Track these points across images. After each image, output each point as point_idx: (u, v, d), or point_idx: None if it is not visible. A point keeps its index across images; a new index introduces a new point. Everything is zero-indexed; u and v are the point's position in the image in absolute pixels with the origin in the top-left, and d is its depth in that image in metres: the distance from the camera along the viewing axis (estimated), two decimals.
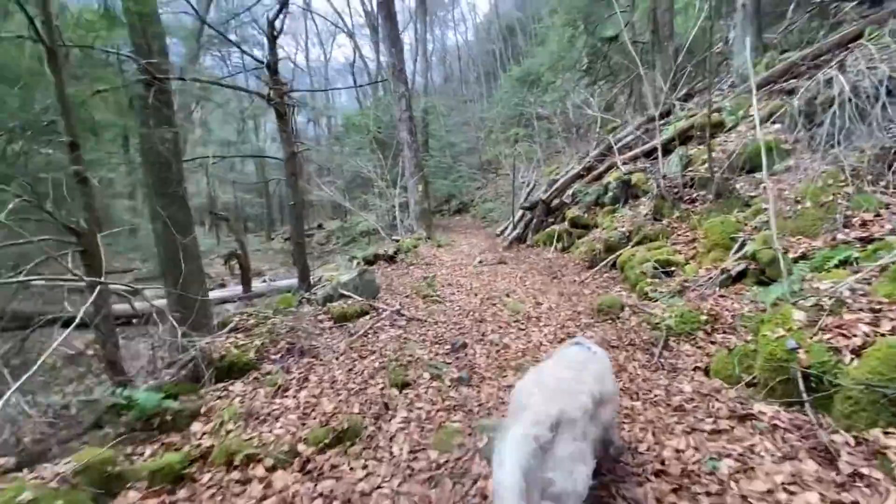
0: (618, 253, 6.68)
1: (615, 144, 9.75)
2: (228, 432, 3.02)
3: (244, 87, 10.42)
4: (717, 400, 2.95)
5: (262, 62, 6.66)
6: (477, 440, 2.79)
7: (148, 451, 2.88)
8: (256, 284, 11.97)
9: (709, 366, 3.38)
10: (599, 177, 9.60)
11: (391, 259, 10.02)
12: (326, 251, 24.54)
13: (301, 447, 2.80)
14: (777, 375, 2.71)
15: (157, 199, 5.97)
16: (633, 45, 11.19)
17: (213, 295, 12.02)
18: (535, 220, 10.53)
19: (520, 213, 12.58)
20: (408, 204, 14.28)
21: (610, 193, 8.55)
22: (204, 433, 3.07)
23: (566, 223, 9.26)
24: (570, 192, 10.06)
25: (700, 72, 10.69)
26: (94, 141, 6.00)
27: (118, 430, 2.99)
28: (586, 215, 8.85)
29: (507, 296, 6.43)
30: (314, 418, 3.18)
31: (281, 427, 3.05)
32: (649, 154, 8.80)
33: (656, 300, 4.88)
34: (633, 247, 6.58)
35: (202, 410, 3.28)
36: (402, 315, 5.69)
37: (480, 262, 9.46)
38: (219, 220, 8.70)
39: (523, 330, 4.96)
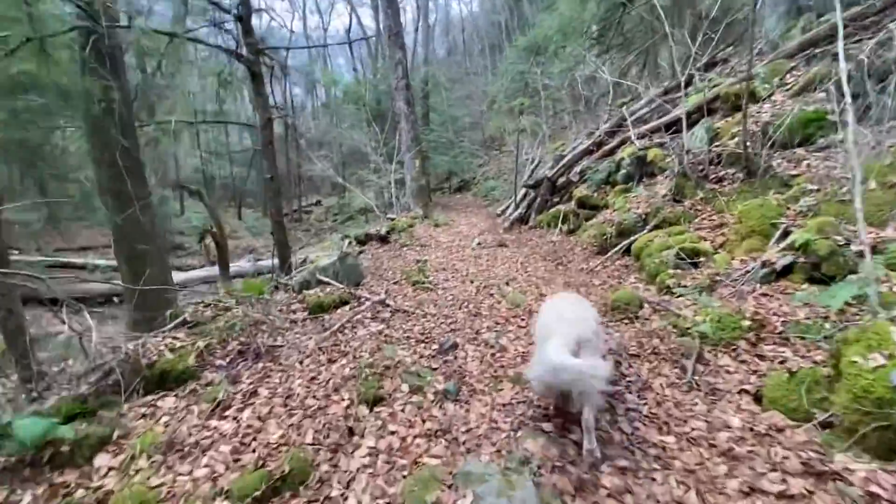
0: (632, 238, 5.88)
1: (629, 117, 8.83)
2: (137, 471, 2.30)
3: (221, 44, 9.46)
4: (779, 444, 2.20)
5: (230, 12, 5.75)
6: (458, 498, 2.06)
7: (27, 499, 2.18)
8: (241, 264, 11.29)
9: (760, 390, 2.63)
10: (611, 153, 8.71)
11: (384, 239, 9.25)
12: (324, 228, 23.81)
13: None
14: (871, 420, 1.96)
15: (104, 170, 5.17)
16: (651, 9, 10.11)
17: (182, 277, 11.25)
18: (539, 200, 9.69)
19: (522, 191, 11.71)
20: (404, 180, 13.41)
21: (623, 171, 7.69)
22: (110, 470, 2.36)
23: (573, 203, 8.43)
24: (577, 169, 9.19)
25: (725, 39, 9.65)
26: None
27: None
28: (595, 195, 8.01)
29: (507, 284, 5.68)
30: (252, 451, 2.45)
31: (206, 465, 2.33)
32: (669, 127, 7.89)
33: (681, 295, 4.10)
34: (649, 231, 5.78)
35: (115, 436, 2.56)
36: (387, 306, 4.95)
37: (479, 244, 8.68)
38: (188, 193, 7.85)
39: (523, 328, 4.21)
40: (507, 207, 12.19)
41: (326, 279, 5.33)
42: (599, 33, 13.28)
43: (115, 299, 11.33)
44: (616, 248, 6.04)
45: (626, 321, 4.04)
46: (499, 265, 6.93)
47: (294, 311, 4.83)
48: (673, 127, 7.94)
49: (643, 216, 6.07)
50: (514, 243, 8.49)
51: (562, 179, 9.57)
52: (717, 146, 6.27)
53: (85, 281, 11.99)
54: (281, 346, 3.88)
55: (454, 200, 20.66)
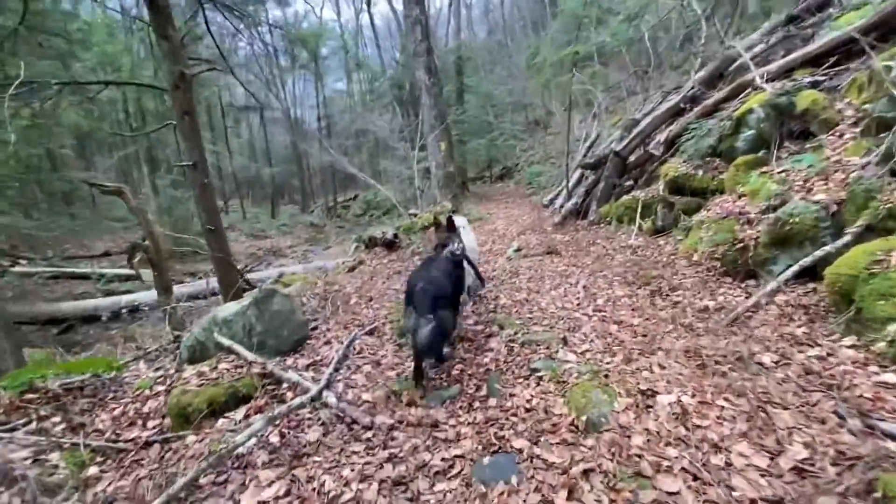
0: (814, 252, 2.92)
1: (745, 53, 5.66)
2: None
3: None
4: None
5: None
6: None
7: None
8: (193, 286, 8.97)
9: None
10: (714, 109, 5.59)
11: (390, 245, 6.70)
12: (360, 224, 21.68)
13: None
14: None
15: None
16: None
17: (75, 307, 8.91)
18: (602, 185, 6.71)
19: (576, 174, 8.73)
20: (430, 169, 10.76)
21: (748, 131, 4.60)
22: None
23: (661, 187, 5.42)
24: (661, 137, 6.12)
25: None
26: None
27: None
28: (700, 173, 4.96)
29: (563, 344, 2.92)
30: None
31: None
32: (818, 61, 4.72)
33: None
34: (857, 237, 2.80)
35: None
36: (327, 406, 2.38)
37: (518, 250, 5.90)
38: (101, 191, 5.62)
39: None
40: (557, 196, 9.24)
41: (228, 343, 2.82)
42: None
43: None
44: (779, 272, 3.09)
45: None
46: (546, 290, 4.16)
47: (133, 423, 2.37)
48: (828, 59, 4.76)
49: (832, 207, 3.06)
50: (570, 248, 5.62)
51: (636, 155, 6.54)
52: None
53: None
54: None
55: (494, 190, 17.75)
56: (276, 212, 24.24)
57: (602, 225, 6.39)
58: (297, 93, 26.82)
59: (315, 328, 3.58)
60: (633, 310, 3.41)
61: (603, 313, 3.42)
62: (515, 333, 3.19)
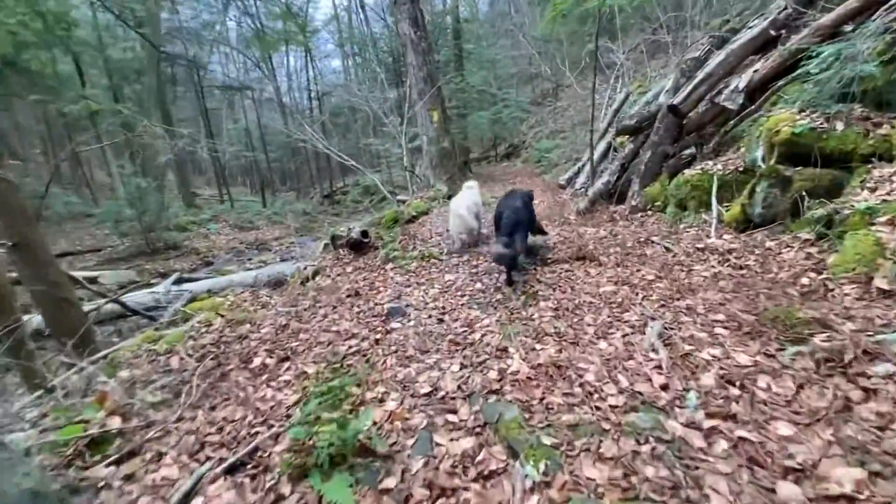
0: None
1: None
2: None
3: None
4: None
5: None
6: None
7: None
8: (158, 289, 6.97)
9: None
10: (833, 33, 3.54)
11: (357, 246, 4.80)
12: (359, 210, 19.78)
13: None
14: None
15: None
16: None
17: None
18: (648, 155, 4.69)
19: (601, 146, 6.72)
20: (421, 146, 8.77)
21: None
22: None
23: (761, 152, 3.38)
24: (739, 82, 4.05)
25: None
26: None
27: None
28: (839, 127, 2.95)
29: None
30: None
31: None
32: None
33: None
34: None
35: None
36: None
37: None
38: None
39: None
40: (577, 174, 7.22)
41: None
42: None
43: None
44: None
45: None
46: (590, 344, 2.24)
47: None
48: None
49: None
50: (611, 252, 3.65)
51: (698, 111, 4.49)
52: None
53: None
54: None
55: (500, 170, 15.63)
56: (269, 200, 22.39)
57: (651, 213, 4.42)
58: (291, 72, 24.65)
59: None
60: (795, 413, 1.52)
61: (727, 423, 1.53)
62: (544, 477, 1.34)
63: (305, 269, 5.36)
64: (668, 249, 3.37)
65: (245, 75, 26.09)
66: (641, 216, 4.46)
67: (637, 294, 2.73)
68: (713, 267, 2.89)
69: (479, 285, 3.49)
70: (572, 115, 13.90)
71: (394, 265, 4.25)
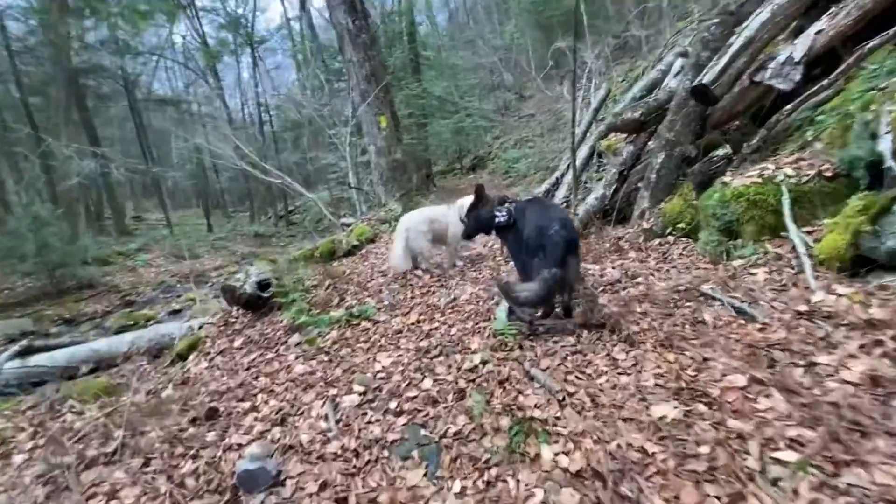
0: None
1: None
2: None
3: None
4: None
5: None
6: None
7: None
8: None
9: None
10: None
11: (256, 305, 3.19)
12: (318, 230, 17.99)
13: None
14: None
15: None
16: None
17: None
18: (660, 159, 3.33)
19: (583, 152, 5.43)
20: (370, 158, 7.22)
21: None
22: None
23: (891, 147, 2.04)
24: (794, 51, 2.79)
25: None
26: None
27: None
28: None
29: None
30: None
31: None
32: None
33: None
34: None
35: None
36: None
37: (497, 332, 2.46)
38: None
39: None
40: (555, 186, 5.87)
41: None
42: None
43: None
44: None
45: None
46: None
47: None
48: None
49: None
50: (644, 316, 2.24)
51: (733, 93, 3.17)
52: None
53: None
54: None
55: (465, 183, 14.29)
56: (221, 223, 20.28)
57: (673, 239, 3.04)
58: (245, 87, 22.68)
59: None
60: None
61: None
62: None
63: (186, 335, 3.70)
64: (741, 314, 1.96)
65: (195, 91, 23.96)
66: (661, 244, 3.08)
67: (731, 438, 1.28)
68: (856, 358, 1.50)
69: (428, 381, 1.98)
70: (540, 122, 12.78)
71: (301, 336, 2.68)
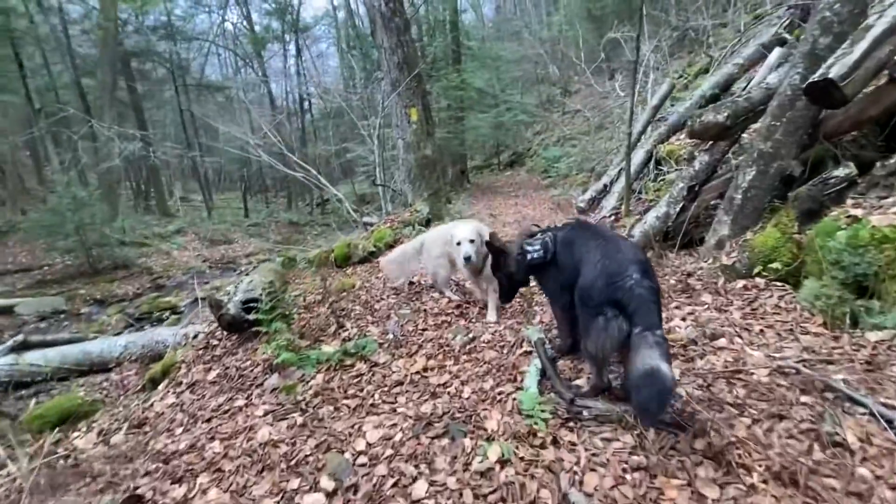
0: None
1: None
2: None
3: None
4: None
5: None
6: None
7: None
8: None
9: None
10: None
11: (239, 327, 2.71)
12: (346, 222, 17.89)
13: None
14: None
15: None
16: None
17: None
18: (750, 175, 2.55)
19: (639, 155, 4.65)
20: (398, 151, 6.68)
21: None
22: None
23: None
24: None
25: None
26: None
27: None
28: None
29: None
30: None
31: None
32: None
33: None
34: None
35: None
36: None
37: (523, 411, 1.88)
38: None
39: None
40: (603, 194, 5.10)
41: None
42: None
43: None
44: None
45: None
46: None
47: None
48: None
49: None
50: (722, 407, 1.59)
51: (870, 89, 2.37)
52: None
53: None
54: None
55: (501, 180, 13.52)
56: (258, 208, 20.50)
57: (762, 283, 2.29)
58: (290, 74, 22.72)
59: None
60: None
61: None
62: None
63: (179, 343, 3.29)
64: None
65: (244, 76, 24.25)
66: (746, 287, 2.33)
67: None
68: None
69: (421, 486, 1.40)
70: (586, 119, 11.78)
71: (280, 380, 2.16)
